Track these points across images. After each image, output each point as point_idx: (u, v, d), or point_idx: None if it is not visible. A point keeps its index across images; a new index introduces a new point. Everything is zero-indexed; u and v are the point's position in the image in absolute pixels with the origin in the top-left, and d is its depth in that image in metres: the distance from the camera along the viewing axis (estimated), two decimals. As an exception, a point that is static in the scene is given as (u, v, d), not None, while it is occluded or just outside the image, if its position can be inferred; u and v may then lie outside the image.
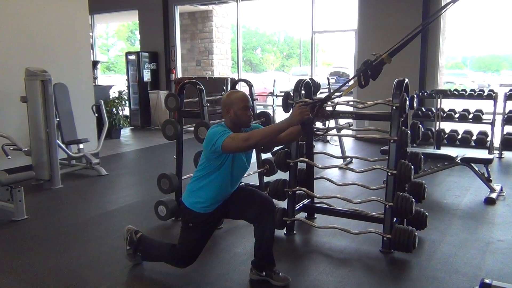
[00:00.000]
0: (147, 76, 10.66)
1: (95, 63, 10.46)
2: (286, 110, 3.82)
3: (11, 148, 5.48)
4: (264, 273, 2.92)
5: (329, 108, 3.30)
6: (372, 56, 2.52)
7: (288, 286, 2.87)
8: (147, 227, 4.01)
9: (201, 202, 2.80)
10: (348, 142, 8.23)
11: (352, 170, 3.87)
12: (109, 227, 4.09)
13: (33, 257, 3.40)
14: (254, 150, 4.42)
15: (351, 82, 2.73)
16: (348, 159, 6.41)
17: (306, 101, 2.61)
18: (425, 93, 7.38)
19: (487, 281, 2.75)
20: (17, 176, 4.37)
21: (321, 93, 3.57)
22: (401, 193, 3.35)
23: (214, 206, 2.84)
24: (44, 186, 5.43)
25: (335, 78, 20.23)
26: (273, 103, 9.17)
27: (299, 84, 3.74)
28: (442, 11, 3.10)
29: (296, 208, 3.86)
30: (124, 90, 10.23)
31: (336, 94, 2.96)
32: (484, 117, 7.07)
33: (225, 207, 2.90)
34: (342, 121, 6.28)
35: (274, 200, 3.93)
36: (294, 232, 3.82)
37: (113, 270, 3.17)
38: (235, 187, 2.91)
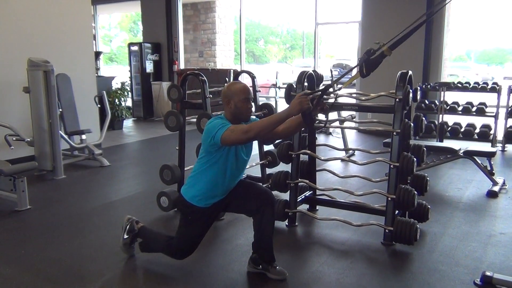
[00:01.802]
0: (149, 67, 10.65)
1: (97, 54, 10.44)
2: (288, 102, 3.81)
3: (14, 139, 5.50)
4: (260, 266, 2.92)
5: (331, 101, 3.28)
6: (375, 45, 2.49)
7: (286, 279, 2.88)
8: (149, 218, 4.03)
9: (201, 196, 2.77)
10: (351, 134, 8.22)
11: (354, 162, 3.87)
12: (112, 218, 4.11)
13: (36, 247, 3.42)
14: (256, 142, 4.42)
15: (354, 73, 2.69)
16: (350, 151, 6.41)
17: (306, 92, 2.58)
18: (429, 86, 7.36)
19: (488, 273, 2.76)
20: (20, 166, 4.39)
21: (323, 85, 3.55)
22: (403, 186, 3.35)
23: (214, 200, 2.81)
24: (46, 176, 5.45)
25: (338, 70, 20.16)
26: (276, 95, 9.16)
27: (302, 76, 3.73)
28: (446, 2, 3.07)
29: (298, 200, 3.87)
30: (126, 81, 10.23)
31: (336, 86, 2.92)
32: (487, 110, 7.04)
33: (224, 201, 2.87)
34: (344, 113, 6.27)
35: (276, 192, 3.96)
36: (296, 224, 3.82)
37: (116, 260, 3.18)
38: (236, 180, 2.87)
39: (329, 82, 2.79)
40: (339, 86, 2.92)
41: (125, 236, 3.15)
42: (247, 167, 4.38)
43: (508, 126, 6.90)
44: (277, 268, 2.90)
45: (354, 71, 2.71)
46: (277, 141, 4.60)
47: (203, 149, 2.75)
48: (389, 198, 3.36)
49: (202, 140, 2.71)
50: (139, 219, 4.00)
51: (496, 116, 6.88)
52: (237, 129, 2.54)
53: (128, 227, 3.15)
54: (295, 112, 2.51)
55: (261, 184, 3.06)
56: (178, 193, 4.10)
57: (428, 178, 3.61)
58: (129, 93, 10.35)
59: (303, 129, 3.38)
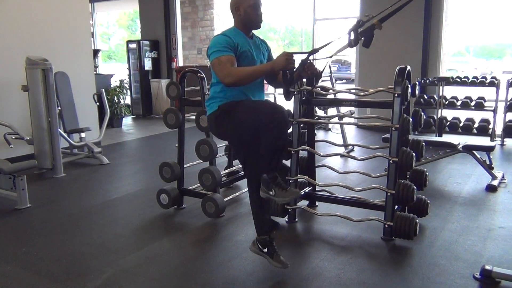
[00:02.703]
0: (148, 64, 10.63)
1: (96, 52, 10.42)
2: (287, 98, 3.81)
3: (13, 137, 5.50)
4: (266, 250, 2.85)
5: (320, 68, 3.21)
6: (365, 17, 2.49)
7: (284, 274, 2.87)
8: (149, 215, 4.04)
9: (227, 100, 2.63)
10: (350, 130, 8.22)
11: (353, 158, 3.87)
12: (112, 215, 4.12)
13: (37, 245, 3.43)
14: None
15: (344, 42, 2.63)
16: (349, 147, 6.41)
17: (294, 52, 2.56)
18: (427, 80, 7.35)
19: (487, 267, 2.77)
20: (20, 165, 4.39)
21: (322, 81, 3.55)
22: (402, 181, 3.35)
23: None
24: (46, 175, 5.46)
25: (337, 65, 20.14)
26: (274, 91, 9.14)
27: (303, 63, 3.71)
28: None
29: (297, 196, 3.87)
30: (125, 79, 10.21)
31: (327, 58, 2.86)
32: (486, 104, 7.04)
33: None
34: (343, 109, 6.27)
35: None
36: (296, 220, 3.83)
37: (116, 257, 3.19)
38: (255, 93, 2.73)
39: (328, 78, 2.78)
40: (331, 54, 2.84)
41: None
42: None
43: (507, 120, 6.90)
44: (281, 257, 2.85)
45: (343, 41, 2.66)
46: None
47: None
48: (389, 193, 3.36)
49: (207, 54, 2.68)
50: (139, 216, 4.03)
51: (495, 110, 6.88)
52: (223, 67, 2.49)
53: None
54: (278, 67, 2.48)
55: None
56: (178, 190, 4.12)
57: (427, 173, 3.61)
58: (128, 90, 10.33)
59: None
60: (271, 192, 2.58)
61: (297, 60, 2.61)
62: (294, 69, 2.58)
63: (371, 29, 2.49)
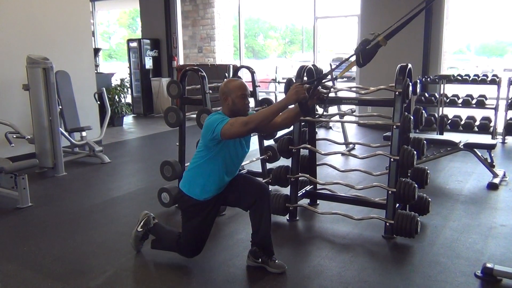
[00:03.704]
0: (149, 63, 10.63)
1: (96, 51, 10.42)
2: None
3: (14, 136, 5.50)
4: (260, 260, 2.94)
5: (327, 90, 3.26)
6: (370, 35, 2.49)
7: (285, 273, 2.89)
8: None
9: (199, 189, 2.81)
10: (351, 128, 8.22)
11: (354, 156, 3.87)
12: (113, 214, 4.12)
13: (38, 244, 3.43)
14: (257, 137, 4.43)
15: (352, 59, 2.67)
16: (350, 145, 6.41)
17: (302, 82, 2.60)
18: (428, 79, 7.34)
19: (489, 265, 2.77)
20: (21, 164, 4.40)
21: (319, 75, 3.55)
22: (403, 179, 3.35)
23: (213, 193, 2.84)
24: (47, 173, 5.46)
25: (339, 65, 20.08)
26: (275, 90, 9.15)
27: (302, 70, 3.72)
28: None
29: (298, 195, 3.87)
30: (126, 78, 10.21)
31: (331, 78, 2.91)
32: (487, 102, 7.03)
33: (223, 195, 2.90)
34: (344, 108, 6.27)
35: (277, 186, 3.97)
36: (297, 218, 3.83)
37: (118, 256, 3.19)
38: (234, 173, 2.91)
39: (329, 76, 2.78)
40: (335, 75, 2.92)
41: (139, 229, 3.15)
42: (247, 163, 4.40)
43: (508, 118, 6.89)
44: (276, 261, 2.92)
45: (350, 61, 2.69)
46: (277, 136, 4.61)
47: (201, 144, 2.78)
48: (390, 192, 3.36)
49: (202, 135, 2.74)
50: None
51: (496, 108, 6.88)
52: (237, 122, 2.57)
53: (144, 220, 3.16)
54: (291, 101, 2.55)
55: (256, 178, 3.07)
56: (179, 189, 4.12)
57: (428, 171, 3.61)
58: (129, 89, 10.33)
59: (301, 118, 3.38)
60: (139, 228, 3.16)
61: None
62: (308, 98, 2.61)
63: (376, 47, 2.50)
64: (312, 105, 2.82)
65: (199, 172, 2.80)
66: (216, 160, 2.75)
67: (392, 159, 3.35)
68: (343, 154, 4.50)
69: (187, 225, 2.91)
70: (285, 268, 2.91)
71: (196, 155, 2.85)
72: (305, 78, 3.75)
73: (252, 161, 4.65)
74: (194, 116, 3.97)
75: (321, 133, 7.93)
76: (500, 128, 7.02)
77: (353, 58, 2.59)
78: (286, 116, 2.83)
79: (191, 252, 2.96)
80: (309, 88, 2.64)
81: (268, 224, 2.88)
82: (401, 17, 2.49)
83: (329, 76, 2.77)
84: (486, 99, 7.05)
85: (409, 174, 3.61)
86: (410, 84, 3.36)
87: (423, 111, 3.65)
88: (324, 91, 3.11)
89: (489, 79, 6.93)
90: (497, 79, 6.82)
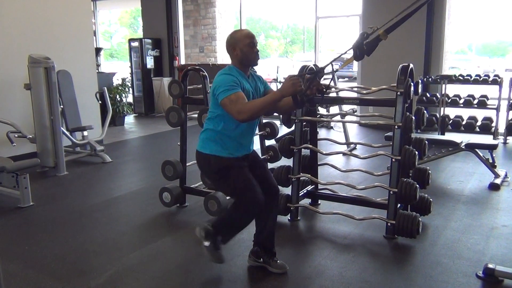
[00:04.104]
0: (150, 63, 10.64)
1: (98, 50, 10.43)
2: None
3: (16, 136, 5.51)
4: (261, 259, 2.94)
5: (326, 82, 3.23)
6: (369, 29, 2.48)
7: (287, 273, 2.89)
8: (152, 213, 4.05)
9: (220, 144, 2.69)
10: (352, 128, 8.21)
11: (356, 156, 3.87)
12: (115, 214, 4.12)
13: (40, 243, 3.44)
14: (258, 136, 4.42)
15: (350, 52, 2.65)
16: (352, 145, 6.40)
17: (299, 74, 2.57)
18: (430, 79, 7.33)
19: (490, 266, 2.77)
20: (23, 163, 4.40)
21: (325, 79, 3.54)
22: (405, 179, 3.35)
23: (233, 150, 2.70)
24: (49, 173, 5.47)
25: (339, 63, 20.07)
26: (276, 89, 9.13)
27: (303, 69, 3.72)
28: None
29: (300, 194, 3.87)
30: (127, 77, 10.22)
31: (331, 71, 2.87)
32: (489, 102, 7.02)
33: (248, 161, 2.77)
34: (346, 107, 6.26)
35: (278, 186, 3.96)
36: (298, 218, 3.83)
37: (119, 255, 3.20)
38: (250, 134, 2.79)
39: (330, 76, 2.77)
40: (335, 68, 2.86)
41: (206, 244, 2.82)
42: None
43: (510, 118, 6.88)
44: (278, 262, 2.92)
45: (349, 55, 2.68)
46: (278, 136, 4.60)
47: (212, 100, 2.69)
48: (391, 192, 3.36)
49: (210, 93, 2.68)
50: (142, 214, 4.03)
51: (497, 109, 6.86)
52: (234, 106, 2.50)
53: (204, 232, 2.82)
54: (287, 94, 2.50)
55: (272, 175, 2.99)
56: (180, 188, 4.12)
57: (430, 171, 3.61)
58: (130, 89, 10.33)
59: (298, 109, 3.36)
60: (206, 243, 2.79)
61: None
62: (304, 91, 2.59)
63: (376, 40, 2.49)
64: (311, 97, 2.77)
65: (213, 129, 2.69)
66: (227, 115, 2.62)
67: (393, 159, 3.35)
68: (344, 154, 4.50)
69: (229, 181, 2.70)
70: (287, 269, 2.91)
71: (209, 113, 2.75)
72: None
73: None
74: (196, 115, 3.98)
75: (322, 133, 7.92)
76: (501, 128, 7.01)
77: (351, 52, 2.57)
78: (286, 103, 2.71)
79: (252, 200, 2.62)
80: (306, 80, 2.62)
81: (273, 225, 2.89)
82: (402, 16, 2.48)
83: (329, 70, 2.72)
84: (487, 99, 7.04)
85: (410, 174, 3.60)
86: (412, 84, 3.36)
87: (425, 111, 3.65)
88: (325, 83, 3.04)
89: (490, 79, 6.92)
90: (499, 79, 6.81)
